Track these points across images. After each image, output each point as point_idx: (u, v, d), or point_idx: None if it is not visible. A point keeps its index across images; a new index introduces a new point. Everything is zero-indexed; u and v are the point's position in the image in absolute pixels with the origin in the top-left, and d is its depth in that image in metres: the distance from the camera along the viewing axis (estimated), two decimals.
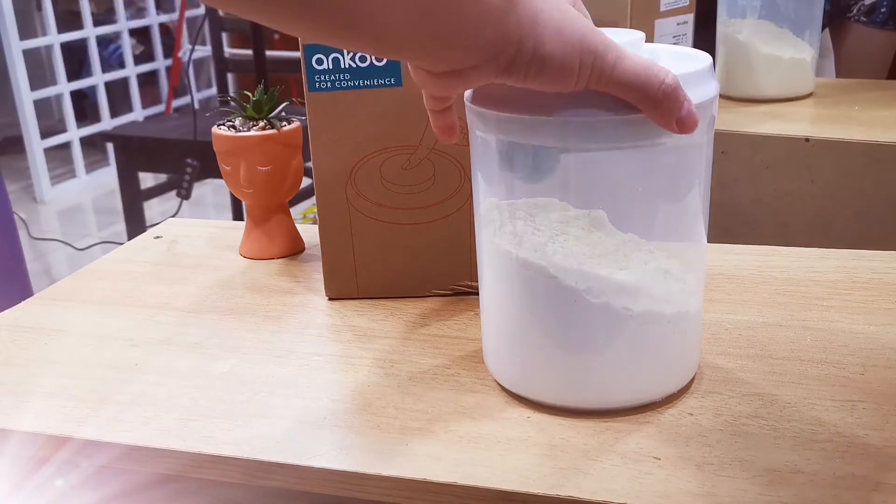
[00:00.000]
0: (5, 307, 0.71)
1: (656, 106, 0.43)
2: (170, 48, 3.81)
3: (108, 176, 3.42)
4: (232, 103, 0.77)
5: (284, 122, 0.75)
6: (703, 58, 0.50)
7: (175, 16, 3.81)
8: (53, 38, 3.32)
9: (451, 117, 0.50)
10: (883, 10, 1.53)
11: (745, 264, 0.71)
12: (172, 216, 1.87)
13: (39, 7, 3.51)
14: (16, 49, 3.15)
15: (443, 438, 0.50)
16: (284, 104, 0.77)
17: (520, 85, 0.42)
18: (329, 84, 0.63)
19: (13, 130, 3.39)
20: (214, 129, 0.76)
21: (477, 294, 0.57)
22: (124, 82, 3.69)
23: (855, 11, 1.56)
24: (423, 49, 0.40)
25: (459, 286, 0.68)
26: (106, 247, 2.70)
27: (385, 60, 0.62)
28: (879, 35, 1.55)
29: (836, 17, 1.59)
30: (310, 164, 0.66)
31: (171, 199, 2.70)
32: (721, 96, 1.21)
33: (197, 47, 3.09)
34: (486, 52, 0.40)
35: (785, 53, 1.28)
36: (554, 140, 0.46)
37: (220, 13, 2.64)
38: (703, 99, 0.46)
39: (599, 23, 0.45)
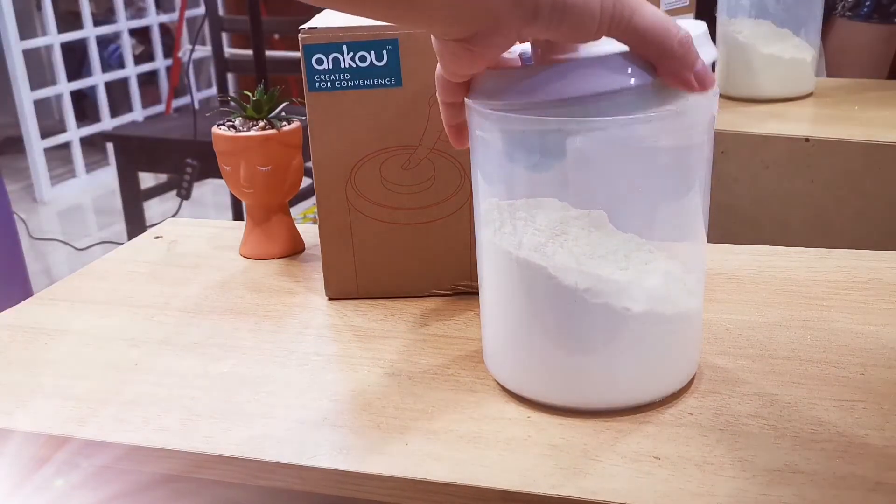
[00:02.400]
0: (5, 307, 0.70)
1: (672, 57, 0.44)
2: (170, 48, 3.81)
3: (108, 176, 3.42)
4: (232, 103, 0.77)
5: (284, 122, 0.75)
6: (698, 25, 0.50)
7: (175, 16, 3.81)
8: (53, 38, 3.32)
9: (464, 115, 0.51)
10: (868, 3, 1.54)
11: (745, 264, 0.71)
12: (172, 216, 1.87)
13: (39, 7, 3.51)
14: (16, 49, 3.15)
15: (443, 438, 0.50)
16: (284, 104, 0.77)
17: (542, 37, 0.43)
18: (329, 84, 0.63)
19: (13, 130, 3.40)
20: (214, 129, 0.76)
21: (477, 294, 0.57)
22: (124, 82, 3.69)
23: (840, 8, 1.57)
24: (449, 7, 0.41)
25: (459, 286, 0.68)
26: (106, 247, 2.70)
27: (385, 60, 0.62)
28: (865, 28, 1.56)
29: (823, 15, 1.61)
30: (310, 164, 0.66)
31: (171, 199, 2.70)
32: (721, 96, 1.21)
33: (197, 47, 3.09)
34: (510, 2, 0.41)
35: (785, 53, 1.28)
36: (556, 123, 0.46)
37: (221, 13, 2.64)
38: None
39: None
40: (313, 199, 0.74)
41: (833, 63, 1.63)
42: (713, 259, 0.72)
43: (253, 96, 0.76)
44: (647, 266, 0.50)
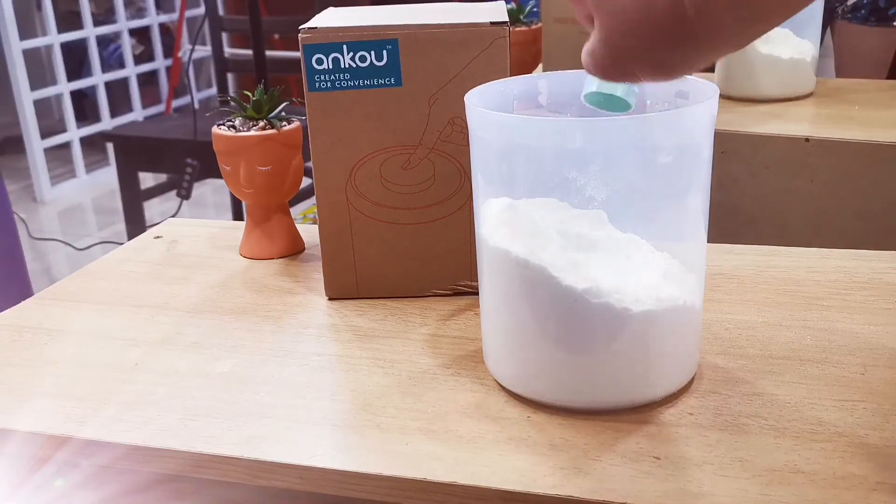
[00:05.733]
0: (5, 307, 0.70)
1: None
2: (170, 48, 3.81)
3: (108, 176, 3.42)
4: (232, 103, 0.77)
5: (284, 122, 0.75)
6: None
7: (175, 16, 3.81)
8: (53, 38, 3.32)
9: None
10: (865, 5, 1.56)
11: (745, 264, 0.71)
12: (172, 216, 1.87)
13: (39, 7, 3.51)
14: (16, 49, 3.15)
15: (443, 438, 0.50)
16: (284, 104, 0.77)
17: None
18: (329, 84, 0.63)
19: (13, 130, 3.40)
20: (214, 129, 0.76)
21: (477, 294, 0.57)
22: (124, 82, 3.69)
23: (840, 10, 1.59)
24: None
25: (459, 286, 0.68)
26: (106, 247, 2.70)
27: (385, 60, 0.62)
28: (865, 30, 1.57)
29: (828, 16, 1.62)
30: (310, 164, 0.66)
31: (171, 199, 2.71)
32: (721, 96, 1.21)
33: (197, 47, 3.09)
34: None
35: (785, 53, 1.28)
36: (555, 140, 0.46)
37: (221, 13, 2.64)
38: None
39: None
40: (313, 199, 0.74)
41: (840, 64, 1.64)
42: (713, 259, 0.72)
43: (253, 96, 0.76)
44: (647, 266, 0.50)
